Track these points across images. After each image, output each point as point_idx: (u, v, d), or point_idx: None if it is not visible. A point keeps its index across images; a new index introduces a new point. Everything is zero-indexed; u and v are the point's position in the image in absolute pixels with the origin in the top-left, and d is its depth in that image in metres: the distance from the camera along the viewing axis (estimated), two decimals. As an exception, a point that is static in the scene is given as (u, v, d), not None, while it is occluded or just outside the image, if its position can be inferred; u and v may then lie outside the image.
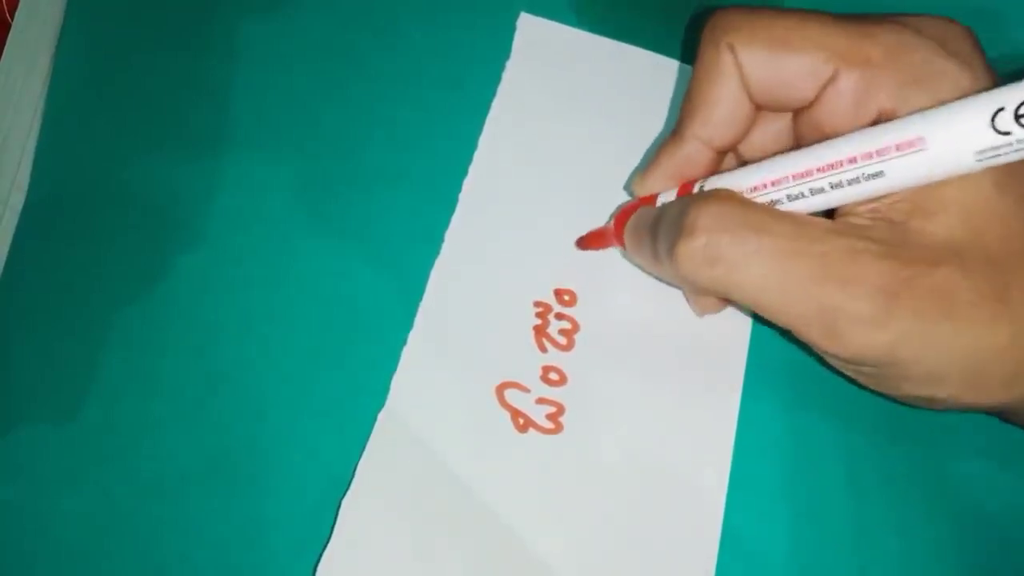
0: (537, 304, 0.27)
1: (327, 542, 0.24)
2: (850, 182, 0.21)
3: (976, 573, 0.26)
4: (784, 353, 0.27)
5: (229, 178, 0.28)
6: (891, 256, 0.20)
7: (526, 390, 0.26)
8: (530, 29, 0.30)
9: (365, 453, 0.25)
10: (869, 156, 0.20)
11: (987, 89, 0.19)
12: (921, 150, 0.20)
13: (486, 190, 0.28)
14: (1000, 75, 0.21)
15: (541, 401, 0.26)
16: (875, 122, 0.21)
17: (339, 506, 0.25)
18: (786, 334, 0.22)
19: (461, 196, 0.28)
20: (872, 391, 0.23)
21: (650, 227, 0.24)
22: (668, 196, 0.25)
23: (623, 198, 0.28)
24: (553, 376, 0.27)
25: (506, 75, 0.30)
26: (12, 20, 0.30)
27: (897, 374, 0.21)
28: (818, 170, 0.21)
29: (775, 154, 0.23)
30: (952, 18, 0.22)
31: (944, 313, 0.20)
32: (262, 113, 0.29)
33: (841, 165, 0.21)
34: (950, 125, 0.19)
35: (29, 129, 0.29)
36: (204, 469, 0.25)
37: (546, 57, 0.30)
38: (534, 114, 0.29)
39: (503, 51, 0.30)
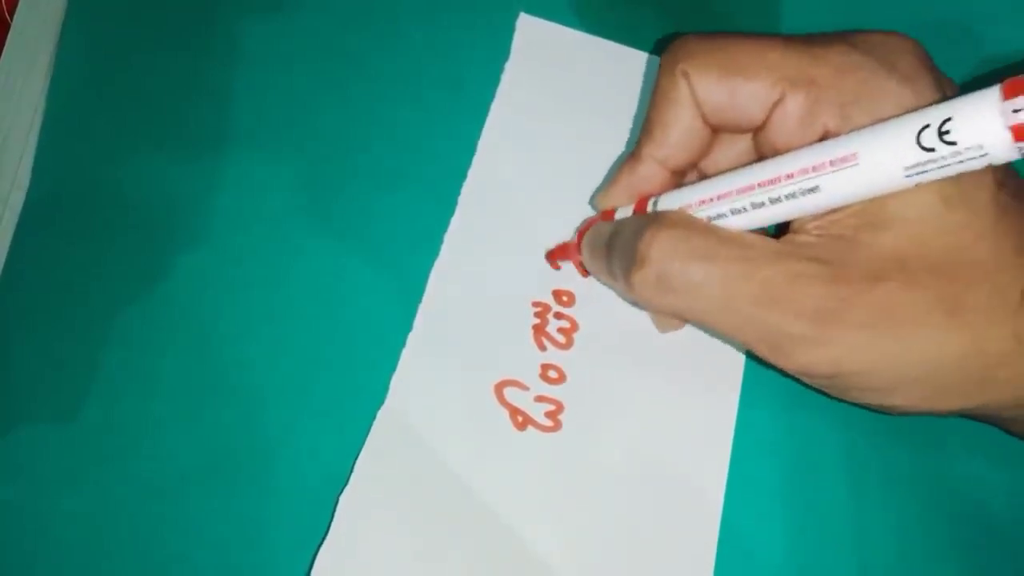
0: (536, 304, 0.27)
1: (323, 539, 0.24)
2: (788, 196, 0.21)
3: (976, 574, 0.26)
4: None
5: (229, 178, 0.28)
6: (830, 277, 0.21)
7: (525, 388, 0.26)
8: (529, 30, 0.30)
9: (363, 450, 0.25)
10: (805, 171, 0.21)
11: (927, 105, 0.20)
12: (853, 165, 0.20)
13: (485, 190, 0.29)
14: (971, 80, 0.22)
15: (540, 399, 0.26)
16: (821, 141, 0.22)
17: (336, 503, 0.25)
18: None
19: (460, 196, 0.28)
20: (836, 399, 0.24)
21: (605, 244, 0.25)
22: (625, 211, 0.25)
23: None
24: (552, 374, 0.27)
25: (505, 76, 0.30)
26: (12, 20, 0.30)
27: (848, 385, 0.22)
28: (759, 184, 0.22)
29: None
30: (901, 32, 0.22)
31: (888, 327, 0.21)
32: (262, 113, 0.29)
33: (780, 180, 0.21)
34: (879, 141, 0.20)
35: (29, 128, 0.29)
36: (204, 469, 0.25)
37: (545, 58, 0.30)
38: (533, 115, 0.30)
39: (503, 51, 0.30)
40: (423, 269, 0.28)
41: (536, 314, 0.27)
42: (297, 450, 0.26)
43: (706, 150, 0.25)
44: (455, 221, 0.28)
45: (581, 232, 0.26)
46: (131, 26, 0.30)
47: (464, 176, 0.29)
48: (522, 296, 0.27)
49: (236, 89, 0.29)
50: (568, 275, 0.28)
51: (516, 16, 0.31)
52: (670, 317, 0.26)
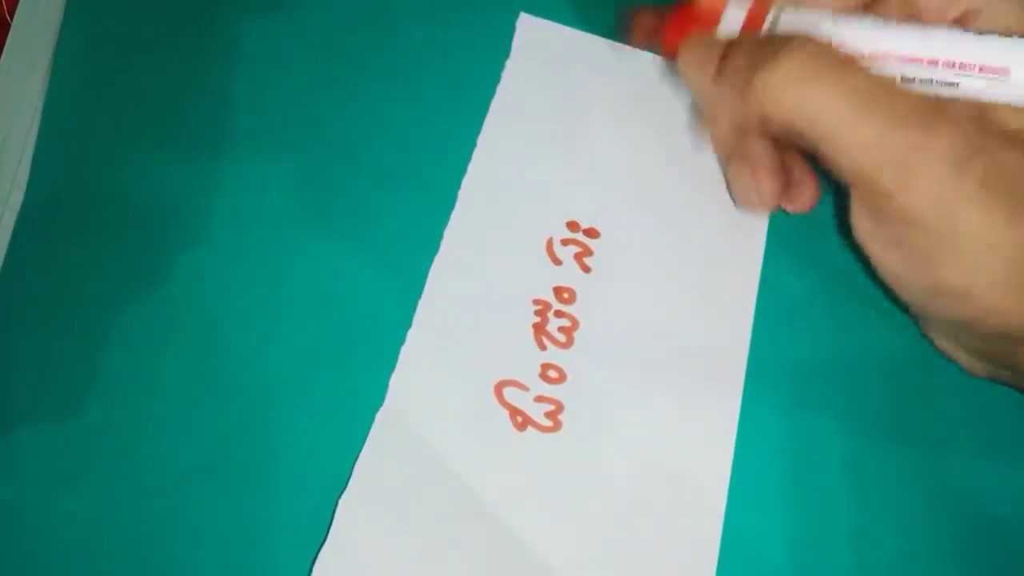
0: (536, 302, 0.27)
1: (324, 541, 0.24)
2: (921, 82, 0.20)
3: (976, 574, 0.26)
4: (785, 352, 0.27)
5: (229, 178, 0.28)
6: (971, 121, 0.20)
7: (525, 388, 0.26)
8: (530, 29, 0.30)
9: (363, 452, 0.25)
10: (951, 65, 0.20)
11: None
12: (1002, 80, 0.19)
13: (485, 189, 0.28)
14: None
15: (540, 399, 0.26)
16: (959, 19, 0.21)
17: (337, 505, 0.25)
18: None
19: (460, 195, 0.28)
20: (898, 293, 0.23)
21: (724, 47, 0.23)
22: (734, 18, 0.23)
23: (622, 198, 0.28)
24: (552, 374, 0.27)
25: (505, 75, 0.30)
26: (12, 20, 0.30)
27: (942, 249, 0.21)
28: (896, 56, 0.20)
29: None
30: None
31: (1003, 192, 0.20)
32: (262, 113, 0.29)
33: (922, 61, 0.20)
34: None
35: (29, 129, 0.29)
36: (204, 469, 0.25)
37: (546, 57, 0.30)
38: (533, 114, 0.30)
39: (503, 51, 0.30)
40: (423, 269, 0.28)
41: (536, 312, 0.27)
42: (297, 450, 0.26)
43: None
44: (454, 219, 0.28)
45: (671, 26, 0.24)
46: (131, 26, 0.30)
47: (464, 175, 0.29)
48: (522, 294, 0.27)
49: (236, 89, 0.29)
50: (569, 272, 0.28)
51: (516, 16, 0.31)
52: (766, 123, 0.23)
